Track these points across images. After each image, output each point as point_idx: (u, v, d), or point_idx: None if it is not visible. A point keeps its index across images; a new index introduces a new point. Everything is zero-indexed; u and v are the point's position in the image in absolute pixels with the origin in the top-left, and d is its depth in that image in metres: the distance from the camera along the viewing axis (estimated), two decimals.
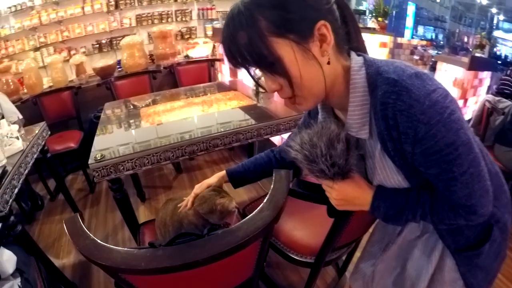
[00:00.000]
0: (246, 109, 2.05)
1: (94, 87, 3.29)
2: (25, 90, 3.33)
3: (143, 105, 2.27)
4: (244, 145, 3.46)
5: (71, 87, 3.18)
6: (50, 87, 3.42)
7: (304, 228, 1.41)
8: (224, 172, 1.18)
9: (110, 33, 3.89)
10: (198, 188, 1.11)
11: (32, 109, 3.01)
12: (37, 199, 2.77)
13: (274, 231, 1.39)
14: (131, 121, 2.04)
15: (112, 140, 1.68)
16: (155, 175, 3.17)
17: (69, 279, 1.93)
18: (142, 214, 2.59)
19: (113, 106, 2.38)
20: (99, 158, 1.41)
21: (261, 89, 2.26)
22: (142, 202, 2.74)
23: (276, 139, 2.58)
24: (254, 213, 0.82)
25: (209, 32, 4.20)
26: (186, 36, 4.20)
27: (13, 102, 2.90)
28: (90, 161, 1.41)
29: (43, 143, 2.14)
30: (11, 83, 3.27)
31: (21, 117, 2.59)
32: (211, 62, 3.61)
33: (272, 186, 0.89)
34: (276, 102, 2.13)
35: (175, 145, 1.52)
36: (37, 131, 2.08)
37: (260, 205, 0.83)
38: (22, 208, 2.52)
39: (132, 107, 2.34)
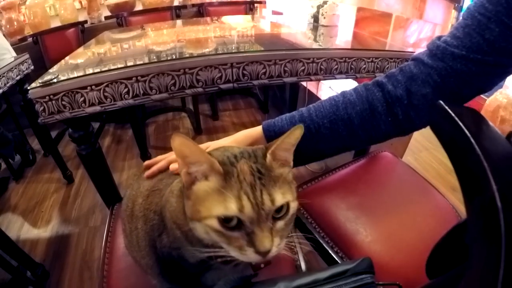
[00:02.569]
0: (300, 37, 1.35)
1: (105, 25, 2.75)
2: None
3: (153, 28, 1.62)
4: (283, 108, 2.84)
5: (76, 23, 2.72)
6: None
7: (399, 242, 0.81)
8: (257, 129, 0.60)
9: None
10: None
11: (33, 49, 2.59)
12: (28, 153, 2.38)
13: (340, 241, 0.84)
14: (127, 42, 1.40)
15: (86, 62, 1.06)
16: (168, 135, 2.65)
17: (40, 256, 1.57)
18: None
19: (113, 32, 1.75)
20: (46, 80, 0.80)
21: (322, 23, 1.55)
22: None
23: None
24: None
25: None
26: None
27: (14, 43, 2.55)
28: (33, 85, 0.81)
29: (18, 77, 1.71)
30: (14, 22, 2.88)
31: (14, 55, 2.21)
32: (249, 5, 2.95)
33: None
34: (339, 45, 1.44)
35: (178, 64, 0.85)
36: (10, 62, 1.67)
37: None
38: (9, 164, 2.15)
39: (136, 31, 1.70)
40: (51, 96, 0.80)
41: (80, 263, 1.53)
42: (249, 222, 0.37)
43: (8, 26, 2.83)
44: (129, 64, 0.87)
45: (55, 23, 2.97)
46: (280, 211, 0.39)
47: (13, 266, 1.31)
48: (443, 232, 0.82)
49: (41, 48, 2.59)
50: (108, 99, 0.83)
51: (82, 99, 0.81)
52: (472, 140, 0.35)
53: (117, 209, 0.94)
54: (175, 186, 0.46)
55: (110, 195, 1.02)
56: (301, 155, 0.57)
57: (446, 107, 0.42)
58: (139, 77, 0.83)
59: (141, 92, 0.85)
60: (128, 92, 0.83)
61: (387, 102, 0.55)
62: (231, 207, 0.36)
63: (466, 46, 0.49)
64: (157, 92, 0.86)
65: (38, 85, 0.80)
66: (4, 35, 2.31)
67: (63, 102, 0.81)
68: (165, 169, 0.60)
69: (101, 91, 0.81)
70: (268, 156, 0.41)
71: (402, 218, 0.88)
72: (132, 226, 0.56)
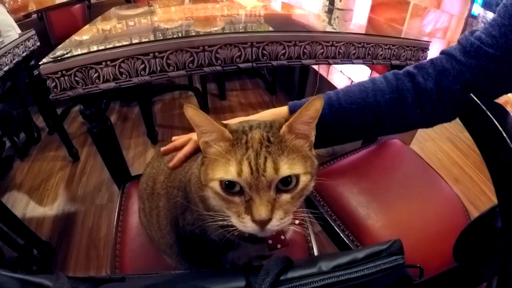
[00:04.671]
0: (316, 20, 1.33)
1: (112, 1, 2.70)
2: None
3: (161, 5, 1.59)
4: (291, 90, 2.82)
5: None
6: None
7: (408, 229, 0.83)
8: (283, 108, 0.59)
9: None
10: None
11: (38, 26, 2.53)
12: (33, 130, 2.35)
13: (351, 224, 0.86)
14: (137, 18, 1.38)
15: (96, 39, 1.03)
16: (174, 113, 2.65)
17: (47, 234, 1.58)
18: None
19: (121, 8, 1.71)
20: (59, 55, 0.78)
21: (338, 6, 1.52)
22: (152, 145, 2.24)
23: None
24: None
25: None
26: None
27: (18, 19, 2.45)
28: (44, 60, 0.79)
29: (24, 54, 1.67)
30: None
31: (19, 31, 2.17)
32: None
33: None
34: (353, 30, 1.41)
35: (197, 41, 0.84)
36: (16, 38, 1.64)
37: None
38: (14, 142, 2.14)
39: (144, 7, 1.66)
40: (64, 72, 0.78)
41: (86, 241, 1.54)
42: (248, 188, 0.37)
43: (11, 3, 2.78)
44: (143, 40, 0.85)
45: None
46: (288, 184, 0.39)
47: (19, 244, 1.32)
48: (450, 221, 0.84)
49: (46, 24, 2.53)
50: (123, 75, 0.81)
51: (96, 75, 0.79)
52: (504, 134, 0.36)
53: (128, 187, 0.94)
54: (200, 160, 0.46)
55: (121, 173, 1.02)
56: (325, 137, 0.57)
57: (478, 101, 0.43)
58: (156, 53, 0.81)
59: (158, 68, 0.83)
60: (144, 69, 0.82)
61: (417, 93, 0.54)
62: (230, 171, 0.37)
63: (501, 47, 0.48)
64: (175, 69, 0.84)
65: (50, 60, 0.78)
66: (8, 11, 2.28)
67: (76, 78, 0.79)
68: (181, 146, 0.58)
69: (117, 67, 0.80)
70: (284, 127, 0.40)
71: (411, 205, 0.89)
72: (152, 204, 0.56)
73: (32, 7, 2.86)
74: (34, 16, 2.56)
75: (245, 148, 0.38)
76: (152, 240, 0.65)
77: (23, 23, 2.44)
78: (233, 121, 0.54)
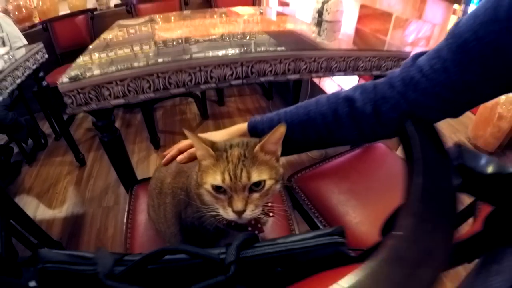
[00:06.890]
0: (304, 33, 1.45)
1: (113, 13, 2.82)
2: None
3: (161, 22, 1.71)
4: (287, 95, 2.94)
5: (86, 11, 2.78)
6: None
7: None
8: (242, 125, 0.69)
9: None
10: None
11: (42, 36, 2.66)
12: (40, 137, 2.46)
13: (332, 221, 0.96)
14: (140, 38, 1.49)
15: (104, 63, 1.14)
16: (175, 119, 2.78)
17: (57, 234, 1.68)
18: (153, 165, 2.18)
19: (125, 23, 1.83)
20: (74, 75, 0.90)
21: (326, 18, 1.64)
22: (155, 150, 2.34)
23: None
24: None
25: None
26: None
27: (24, 29, 2.59)
28: (62, 80, 0.91)
29: (34, 67, 1.76)
30: (23, 9, 2.92)
31: (25, 42, 2.29)
32: None
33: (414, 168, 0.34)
34: (341, 40, 1.52)
35: (195, 62, 0.97)
36: (26, 52, 1.70)
37: None
38: (22, 147, 2.23)
39: (148, 23, 1.78)
40: (79, 90, 0.90)
41: (95, 241, 1.64)
42: (229, 190, 0.51)
43: (16, 13, 2.87)
44: (150, 62, 0.98)
45: (64, 9, 3.03)
46: (258, 186, 0.52)
47: (33, 243, 1.43)
48: None
49: (51, 35, 2.65)
50: (131, 93, 0.94)
51: (108, 93, 0.91)
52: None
53: (136, 190, 1.05)
54: (197, 167, 0.59)
55: (128, 177, 1.13)
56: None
57: (409, 132, 0.46)
58: (159, 74, 0.94)
59: (161, 87, 0.96)
60: (149, 87, 0.94)
61: (354, 119, 0.57)
62: (217, 179, 0.51)
63: (441, 83, 0.46)
64: (176, 87, 0.97)
65: (67, 80, 0.90)
66: (14, 22, 2.37)
67: (90, 95, 0.91)
68: (177, 155, 0.69)
69: (125, 85, 0.92)
70: (257, 147, 0.54)
71: (388, 204, 0.96)
72: (160, 201, 0.69)
73: (36, 17, 2.95)
74: (39, 26, 2.65)
75: (227, 162, 0.52)
76: (159, 232, 0.77)
77: (28, 33, 2.53)
78: (206, 135, 0.65)
